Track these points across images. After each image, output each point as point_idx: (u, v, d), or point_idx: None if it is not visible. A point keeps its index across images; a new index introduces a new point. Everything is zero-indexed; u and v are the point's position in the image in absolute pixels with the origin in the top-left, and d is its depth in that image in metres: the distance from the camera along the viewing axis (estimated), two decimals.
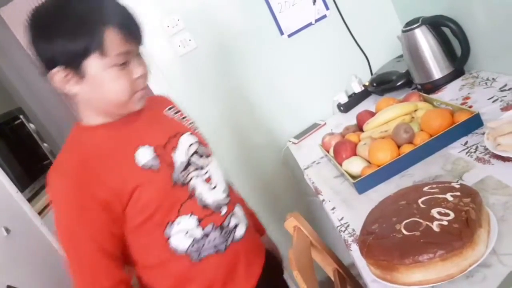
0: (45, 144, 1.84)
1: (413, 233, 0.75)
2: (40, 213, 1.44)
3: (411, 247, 0.73)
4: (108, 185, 0.83)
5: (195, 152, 0.96)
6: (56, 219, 0.83)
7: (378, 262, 0.78)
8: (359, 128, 1.40)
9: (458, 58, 1.45)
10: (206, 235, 0.91)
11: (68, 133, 0.91)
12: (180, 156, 0.92)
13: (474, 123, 1.10)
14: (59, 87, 0.83)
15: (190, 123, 1.05)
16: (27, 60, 2.70)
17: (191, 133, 0.99)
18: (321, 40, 1.88)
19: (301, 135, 1.87)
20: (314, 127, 1.88)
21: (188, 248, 0.90)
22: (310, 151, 1.62)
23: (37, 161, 1.76)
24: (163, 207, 0.86)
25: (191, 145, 0.96)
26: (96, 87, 0.83)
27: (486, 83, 1.33)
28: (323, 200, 1.25)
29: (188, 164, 0.92)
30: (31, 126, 1.80)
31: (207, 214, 0.92)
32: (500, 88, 1.24)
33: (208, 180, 0.96)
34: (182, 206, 0.88)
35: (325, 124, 1.87)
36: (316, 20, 1.84)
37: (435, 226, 0.74)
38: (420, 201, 0.81)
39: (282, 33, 1.84)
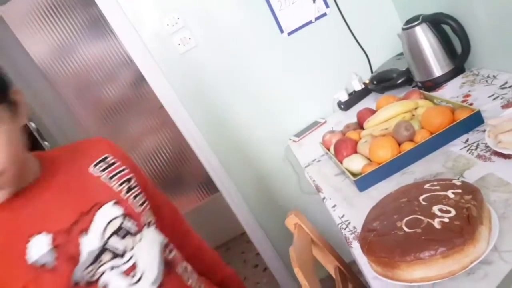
0: (46, 143, 1.84)
1: (414, 230, 0.75)
2: None
3: (412, 244, 0.73)
4: None
5: (118, 230, 0.73)
6: None
7: (379, 259, 0.78)
8: (360, 126, 1.40)
9: (459, 56, 1.44)
10: None
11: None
12: (90, 242, 0.70)
13: (475, 120, 1.10)
14: None
15: (122, 183, 0.81)
16: (27, 59, 2.69)
17: (117, 202, 0.76)
18: (321, 38, 1.87)
19: (301, 133, 1.87)
20: (314, 125, 1.88)
21: None
22: (311, 149, 1.62)
23: None
24: None
25: (111, 221, 0.73)
26: None
27: (486, 81, 1.32)
28: (324, 198, 1.25)
29: (102, 251, 0.70)
30: (32, 125, 1.80)
31: None
32: (500, 86, 1.24)
33: (129, 271, 0.72)
34: None
35: (325, 122, 1.87)
36: (316, 18, 1.84)
37: (436, 223, 0.74)
38: (421, 198, 0.81)
39: (282, 31, 1.84)
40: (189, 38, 1.81)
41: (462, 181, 0.83)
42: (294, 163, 1.92)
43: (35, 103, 2.73)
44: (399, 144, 1.15)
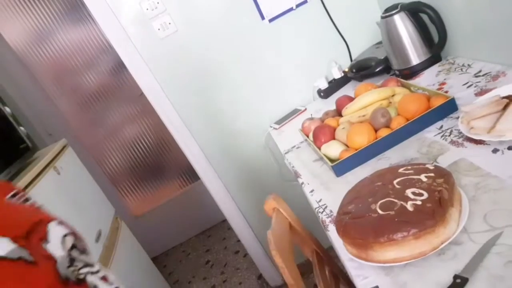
0: (22, 128, 1.78)
1: (388, 212, 0.76)
2: None
3: (386, 226, 0.74)
4: None
5: (74, 247, 0.70)
6: None
7: (353, 241, 0.79)
8: (338, 113, 1.41)
9: (435, 45, 1.46)
10: None
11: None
12: (55, 249, 0.65)
13: (449, 107, 1.12)
14: None
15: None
16: (3, 43, 2.60)
17: (60, 223, 0.73)
18: (302, 25, 1.87)
19: (282, 121, 1.87)
20: (294, 112, 1.89)
21: None
22: (291, 136, 1.63)
23: (13, 145, 1.71)
24: None
25: (65, 235, 0.70)
26: None
27: (461, 69, 1.34)
28: (302, 183, 1.25)
29: (72, 259, 0.67)
30: (7, 110, 1.75)
31: None
32: (475, 74, 1.26)
33: (104, 279, 0.70)
34: None
35: (305, 109, 1.87)
36: (297, 5, 1.83)
37: (409, 206, 0.75)
38: (395, 182, 0.83)
39: (263, 17, 1.82)
40: (169, 23, 1.78)
41: (435, 166, 0.84)
42: (275, 150, 1.92)
43: (11, 88, 2.65)
44: (376, 131, 1.16)
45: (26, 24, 2.62)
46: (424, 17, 1.44)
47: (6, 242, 0.57)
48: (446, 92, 1.25)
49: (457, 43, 1.43)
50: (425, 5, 1.39)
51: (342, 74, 1.86)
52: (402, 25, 1.46)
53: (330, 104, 1.64)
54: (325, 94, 1.86)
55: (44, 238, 0.64)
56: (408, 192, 0.78)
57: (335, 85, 1.86)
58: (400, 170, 0.86)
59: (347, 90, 1.80)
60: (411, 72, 1.50)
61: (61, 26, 2.66)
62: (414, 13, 1.44)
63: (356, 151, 1.13)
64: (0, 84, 2.59)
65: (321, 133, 1.30)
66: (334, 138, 1.27)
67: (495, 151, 0.89)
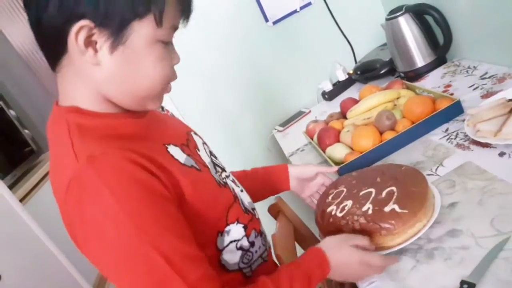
0: (26, 131, 1.80)
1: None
2: (21, 200, 1.41)
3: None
4: (159, 164, 0.61)
5: (210, 153, 0.81)
6: (109, 234, 0.57)
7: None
8: (343, 115, 1.41)
9: (441, 47, 1.45)
10: (252, 245, 0.75)
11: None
12: (204, 156, 0.76)
13: (455, 110, 1.11)
14: (79, 51, 0.58)
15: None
16: (9, 48, 2.62)
17: (195, 133, 0.84)
18: (306, 27, 1.87)
19: (286, 123, 1.87)
20: (299, 115, 1.88)
21: (239, 261, 0.73)
22: (295, 139, 1.63)
23: (18, 148, 1.72)
24: (213, 213, 0.68)
25: (204, 143, 0.82)
26: (132, 63, 0.60)
27: (467, 71, 1.34)
28: None
29: (213, 164, 0.77)
30: (12, 113, 1.76)
31: (249, 219, 0.76)
32: (480, 76, 1.26)
33: (234, 182, 0.81)
34: (229, 212, 0.71)
35: (310, 112, 1.87)
36: (301, 8, 1.83)
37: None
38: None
39: (267, 20, 1.82)
40: None
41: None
42: (279, 153, 1.92)
43: (16, 91, 2.67)
44: (381, 133, 1.16)
45: None
46: (429, 18, 1.43)
47: (179, 151, 0.68)
48: (452, 94, 1.24)
49: (462, 45, 1.42)
50: (430, 7, 1.39)
51: (347, 76, 1.85)
52: (407, 27, 1.45)
53: (334, 106, 1.63)
54: (329, 96, 1.85)
55: (196, 147, 0.76)
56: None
57: (339, 87, 1.85)
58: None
59: (352, 92, 1.79)
60: (416, 74, 1.50)
61: None
62: (419, 14, 1.44)
63: (361, 154, 1.13)
64: (5, 86, 2.61)
65: (325, 135, 1.29)
66: (339, 141, 1.27)
67: (501, 154, 0.88)
